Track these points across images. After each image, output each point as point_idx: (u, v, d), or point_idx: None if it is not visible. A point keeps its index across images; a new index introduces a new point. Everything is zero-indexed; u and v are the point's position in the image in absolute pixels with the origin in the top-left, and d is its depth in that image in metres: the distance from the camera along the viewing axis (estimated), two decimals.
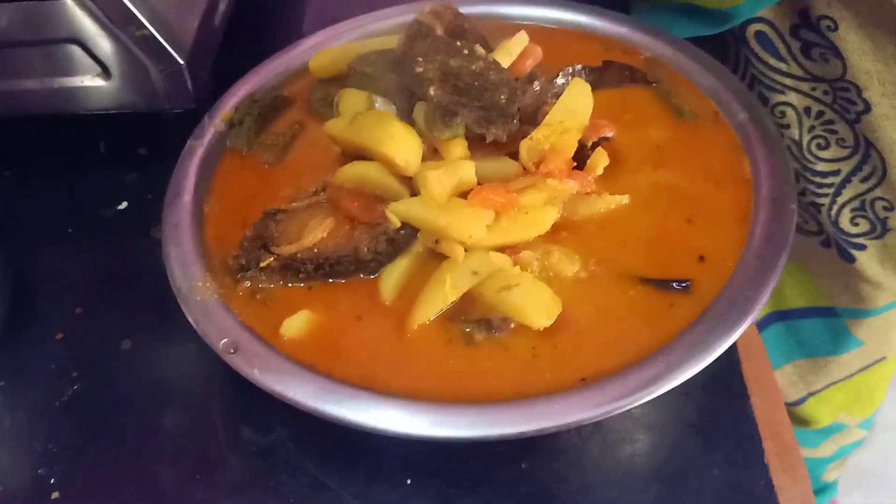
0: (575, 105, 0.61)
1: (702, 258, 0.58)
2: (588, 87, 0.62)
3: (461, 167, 0.58)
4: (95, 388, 0.66)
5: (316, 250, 0.59)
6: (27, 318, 0.71)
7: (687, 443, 0.59)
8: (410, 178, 0.59)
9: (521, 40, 0.69)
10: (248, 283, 0.59)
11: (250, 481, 0.60)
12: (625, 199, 0.61)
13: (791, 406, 1.00)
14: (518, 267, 0.56)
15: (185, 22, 0.75)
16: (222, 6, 0.86)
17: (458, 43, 0.63)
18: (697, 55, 0.72)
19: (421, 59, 0.60)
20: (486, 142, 0.59)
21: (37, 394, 0.66)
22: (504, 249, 0.58)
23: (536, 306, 0.54)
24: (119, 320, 0.70)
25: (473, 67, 0.61)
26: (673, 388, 0.50)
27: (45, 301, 0.73)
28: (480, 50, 0.63)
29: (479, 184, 0.58)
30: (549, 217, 0.58)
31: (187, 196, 0.66)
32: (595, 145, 0.62)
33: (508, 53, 0.68)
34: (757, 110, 0.66)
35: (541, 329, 0.53)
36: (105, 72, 0.73)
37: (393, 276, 0.58)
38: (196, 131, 0.72)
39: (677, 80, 0.71)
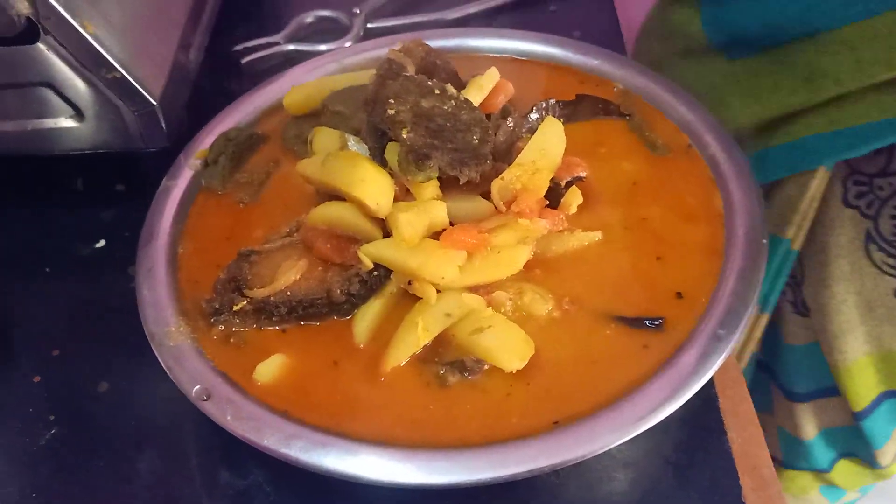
0: (547, 144, 0.62)
1: (679, 295, 0.58)
2: (560, 125, 0.63)
3: (433, 208, 0.58)
4: (73, 432, 0.66)
5: (289, 293, 0.59)
6: (3, 361, 0.71)
7: (664, 479, 0.59)
8: (383, 219, 0.59)
9: (492, 76, 0.69)
10: (221, 327, 0.59)
11: None
12: (597, 236, 0.61)
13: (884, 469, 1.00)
14: (491, 308, 0.56)
15: (157, 61, 0.75)
16: (197, 39, 0.87)
17: (430, 82, 0.63)
18: (670, 87, 0.72)
19: (393, 101, 0.60)
20: (461, 183, 0.59)
21: (14, 438, 0.66)
22: (477, 290, 0.58)
23: (509, 349, 0.54)
24: (96, 362, 0.70)
25: (445, 107, 0.61)
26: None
27: (22, 343, 0.73)
28: (452, 89, 0.63)
29: (451, 224, 0.59)
30: (522, 257, 0.58)
31: (161, 239, 0.66)
32: (569, 184, 0.62)
33: (480, 89, 0.68)
34: (728, 143, 0.67)
35: (513, 371, 0.53)
36: (78, 114, 0.73)
37: (366, 319, 0.58)
38: (171, 171, 0.72)
39: (650, 113, 0.72)
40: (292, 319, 0.59)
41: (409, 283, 0.58)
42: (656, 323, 0.56)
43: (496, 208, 0.60)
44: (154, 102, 0.72)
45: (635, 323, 0.56)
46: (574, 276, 0.60)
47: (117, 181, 0.85)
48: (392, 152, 0.61)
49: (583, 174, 0.64)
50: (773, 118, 0.80)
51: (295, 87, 0.76)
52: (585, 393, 0.53)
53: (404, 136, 0.59)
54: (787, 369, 0.97)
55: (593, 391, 0.53)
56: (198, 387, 0.55)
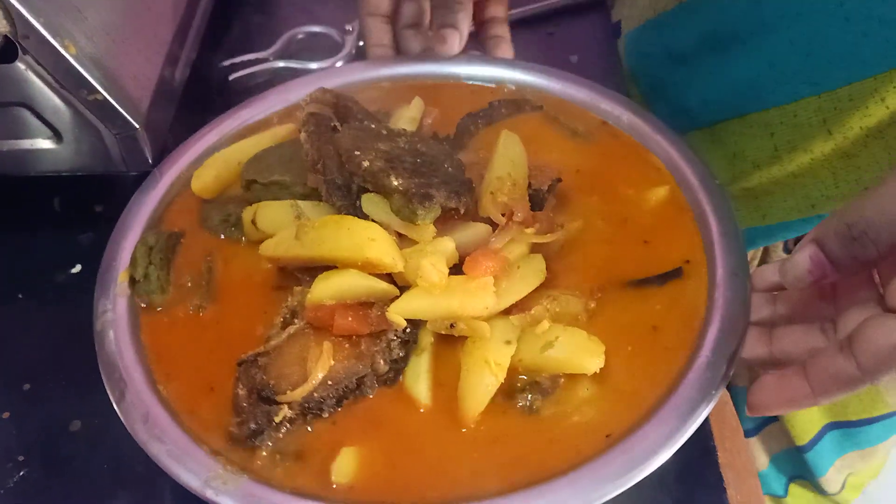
0: (513, 155, 0.63)
1: (687, 262, 0.61)
2: (516, 137, 0.65)
3: (443, 245, 0.56)
4: (43, 474, 0.63)
5: (330, 381, 0.53)
6: None
7: None
8: (389, 274, 0.56)
9: (418, 105, 0.69)
10: (269, 444, 0.52)
11: None
12: (579, 223, 0.63)
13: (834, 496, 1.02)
14: (546, 321, 0.56)
15: (141, 81, 0.72)
16: (185, 54, 0.84)
17: (373, 125, 0.62)
18: (561, 76, 0.76)
19: (359, 153, 0.57)
20: (461, 213, 0.58)
21: None
22: (511, 311, 0.56)
23: (584, 352, 0.54)
24: (69, 398, 0.66)
25: (402, 146, 0.59)
26: (647, 480, 0.49)
27: None
28: (391, 127, 0.62)
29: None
30: (541, 264, 0.58)
31: (135, 386, 0.56)
32: (551, 188, 0.63)
33: (413, 121, 0.68)
34: (637, 109, 0.72)
35: (596, 372, 0.53)
36: (56, 135, 0.70)
37: (421, 377, 0.55)
38: (98, 299, 0.62)
39: (558, 103, 0.75)
40: (342, 407, 0.54)
41: (452, 325, 0.55)
42: (679, 271, 0.60)
43: (495, 224, 0.59)
44: (136, 126, 0.69)
45: (661, 279, 0.59)
46: (580, 267, 0.61)
47: (96, 202, 0.82)
48: (374, 203, 0.58)
49: (558, 177, 0.64)
50: None
51: (199, 171, 0.69)
52: (656, 370, 0.54)
53: (396, 184, 0.56)
54: (736, 407, 0.95)
55: (663, 366, 0.54)
56: None
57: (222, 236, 0.66)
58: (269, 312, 0.59)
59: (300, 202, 0.61)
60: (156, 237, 0.64)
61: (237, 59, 0.94)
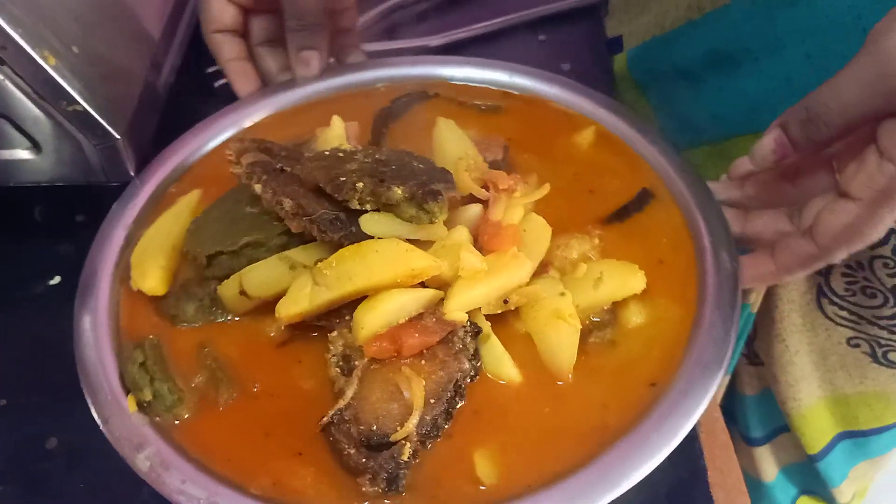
0: (456, 137, 0.67)
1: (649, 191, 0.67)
2: (451, 121, 0.68)
3: (460, 234, 0.57)
4: (19, 493, 0.61)
5: (432, 399, 0.52)
6: None
7: None
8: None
9: (339, 123, 0.69)
10: (402, 482, 0.50)
11: None
12: (546, 184, 0.64)
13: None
14: (579, 265, 0.60)
15: (123, 91, 0.70)
16: (170, 60, 0.82)
17: (326, 151, 0.61)
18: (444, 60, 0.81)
19: (344, 178, 0.56)
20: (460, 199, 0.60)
21: None
22: (536, 273, 0.59)
23: (629, 274, 0.58)
24: (46, 414, 0.65)
25: (366, 160, 0.59)
26: (637, 499, 0.52)
27: None
28: (341, 145, 0.63)
29: None
30: (541, 220, 0.61)
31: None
32: (505, 154, 0.67)
33: (341, 137, 0.68)
34: (530, 71, 0.78)
35: (641, 293, 0.58)
36: (35, 146, 0.68)
37: (502, 359, 0.56)
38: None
39: (452, 87, 0.79)
40: (451, 417, 0.53)
41: (506, 301, 0.57)
42: (647, 192, 0.67)
43: (481, 201, 0.61)
44: (117, 136, 0.67)
45: (637, 204, 0.66)
46: (562, 218, 0.63)
47: (77, 212, 0.81)
48: (376, 221, 0.56)
49: (504, 144, 0.68)
50: None
51: (137, 273, 0.62)
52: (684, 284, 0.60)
53: (399, 192, 0.55)
54: (744, 417, 0.99)
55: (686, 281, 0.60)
56: None
57: (199, 324, 0.60)
58: (299, 370, 0.57)
59: (287, 253, 0.58)
60: (142, 351, 0.57)
61: None
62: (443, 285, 0.56)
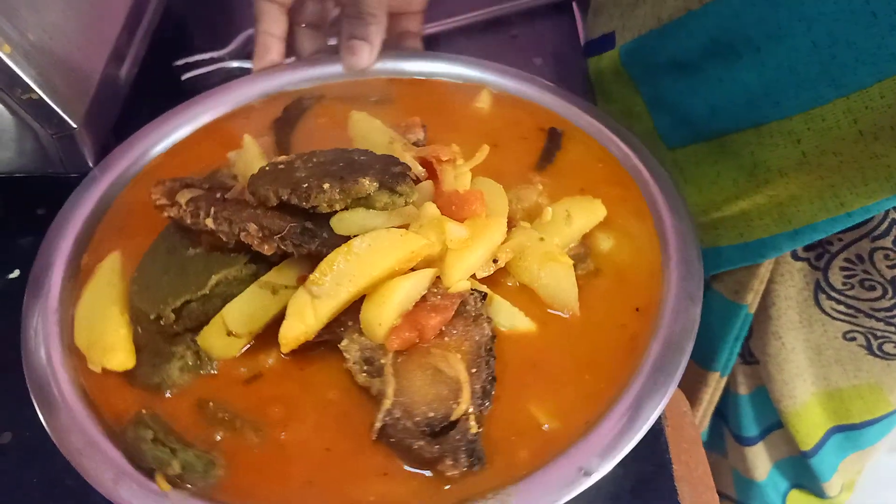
0: (375, 126, 0.68)
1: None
2: (363, 113, 0.70)
3: (432, 209, 0.58)
4: None
5: (474, 370, 0.53)
6: None
7: None
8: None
9: (251, 142, 0.68)
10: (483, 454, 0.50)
11: None
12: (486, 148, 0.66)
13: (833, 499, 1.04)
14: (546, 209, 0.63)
15: (81, 79, 0.69)
16: (133, 51, 0.81)
17: (266, 167, 0.59)
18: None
19: (306, 184, 0.55)
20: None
21: None
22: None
23: (590, 205, 0.64)
24: (1, 408, 0.64)
25: (308, 165, 0.58)
26: (601, 494, 0.55)
27: None
28: (278, 157, 0.61)
29: None
30: (490, 180, 0.64)
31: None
32: (425, 133, 0.70)
33: (261, 155, 0.67)
34: (406, 53, 0.81)
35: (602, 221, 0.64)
36: None
37: (514, 314, 0.59)
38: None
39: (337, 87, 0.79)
40: (496, 379, 0.54)
41: (495, 261, 0.59)
42: (556, 131, 0.73)
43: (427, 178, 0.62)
44: (74, 126, 0.67)
45: (552, 143, 0.72)
46: (496, 176, 0.65)
47: (38, 205, 0.79)
48: (345, 219, 0.56)
49: (422, 124, 0.71)
50: (718, 216, 0.79)
51: (102, 352, 0.56)
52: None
53: (367, 183, 0.55)
54: (737, 417, 0.99)
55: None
56: None
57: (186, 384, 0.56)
58: (317, 387, 0.55)
59: (263, 279, 0.56)
60: (146, 427, 0.52)
61: (190, 59, 0.91)
62: (430, 263, 0.56)
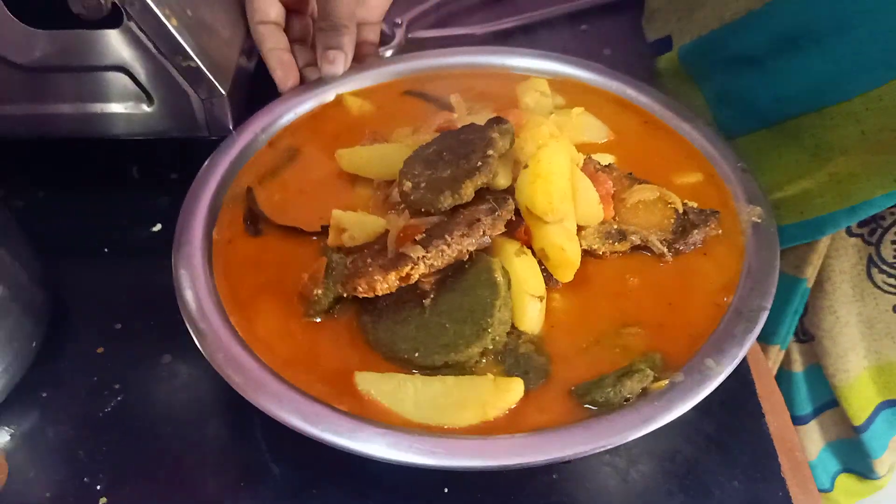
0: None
1: None
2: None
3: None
4: (138, 400, 0.69)
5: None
6: (67, 333, 0.74)
7: (708, 457, 0.63)
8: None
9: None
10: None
11: (293, 491, 0.62)
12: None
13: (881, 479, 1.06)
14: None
15: (226, 55, 0.79)
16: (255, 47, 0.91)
17: (415, 171, 0.70)
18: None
19: (480, 163, 0.67)
20: None
21: (79, 405, 0.69)
22: None
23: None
24: (158, 336, 0.73)
25: (433, 158, 0.71)
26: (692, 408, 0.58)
27: (84, 317, 0.76)
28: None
29: None
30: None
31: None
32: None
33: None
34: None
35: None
36: (148, 98, 0.77)
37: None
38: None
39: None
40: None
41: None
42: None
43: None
44: (223, 92, 0.76)
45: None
46: None
47: (171, 170, 0.89)
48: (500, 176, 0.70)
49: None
50: (780, 196, 0.83)
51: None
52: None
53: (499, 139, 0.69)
54: (790, 394, 1.01)
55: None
56: None
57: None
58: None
59: (506, 262, 0.68)
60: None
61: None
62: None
